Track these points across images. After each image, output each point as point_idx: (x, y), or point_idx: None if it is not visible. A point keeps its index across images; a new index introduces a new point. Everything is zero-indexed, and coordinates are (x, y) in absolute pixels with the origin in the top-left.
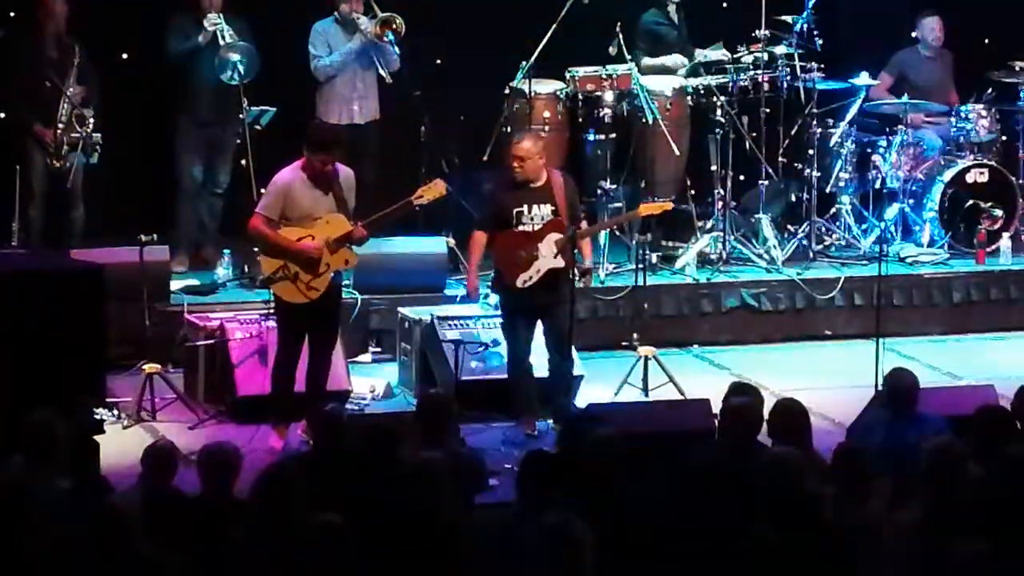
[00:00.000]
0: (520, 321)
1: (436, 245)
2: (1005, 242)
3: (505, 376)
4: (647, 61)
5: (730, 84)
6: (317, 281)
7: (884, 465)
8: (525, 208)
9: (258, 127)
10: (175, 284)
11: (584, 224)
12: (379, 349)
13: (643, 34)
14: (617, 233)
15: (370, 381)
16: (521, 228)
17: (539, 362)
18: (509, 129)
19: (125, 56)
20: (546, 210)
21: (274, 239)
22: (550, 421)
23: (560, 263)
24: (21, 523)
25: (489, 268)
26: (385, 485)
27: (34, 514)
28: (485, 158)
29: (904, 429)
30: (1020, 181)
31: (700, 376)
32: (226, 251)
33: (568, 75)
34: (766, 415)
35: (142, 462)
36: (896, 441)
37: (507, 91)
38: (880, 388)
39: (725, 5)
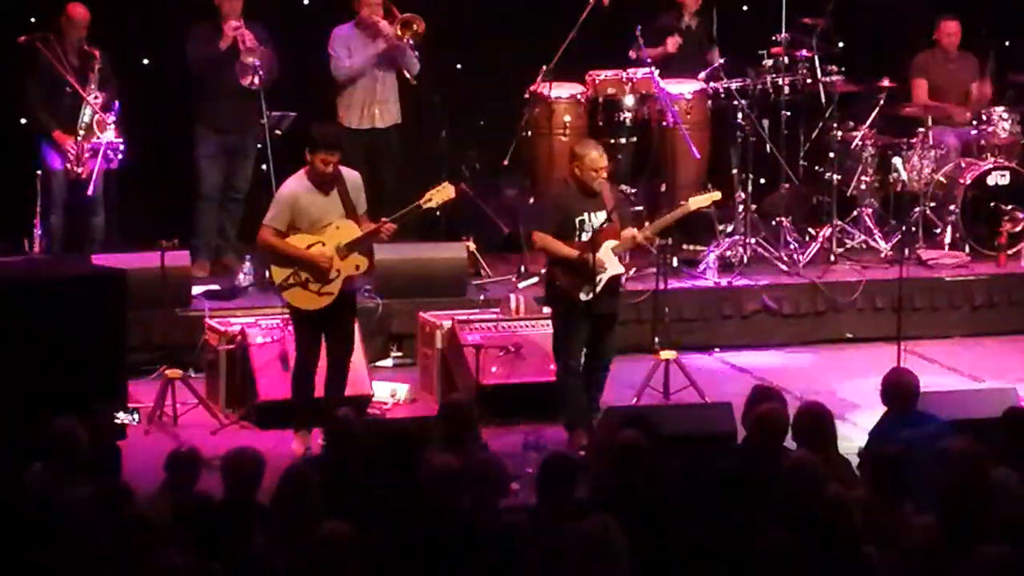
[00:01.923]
0: (580, 331)
1: (457, 250)
2: None
3: (527, 380)
4: None
5: (751, 87)
6: (328, 287)
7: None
8: (587, 216)
9: (278, 132)
10: (196, 289)
11: (646, 224)
12: (400, 354)
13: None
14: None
15: (391, 386)
16: (582, 238)
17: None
18: (529, 133)
19: (146, 62)
20: (601, 217)
21: (283, 248)
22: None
23: (620, 269)
24: (47, 531)
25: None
26: (402, 489)
27: (58, 521)
28: (505, 162)
29: (903, 429)
30: None
31: (721, 380)
32: (247, 256)
33: (588, 78)
34: (791, 420)
35: (165, 468)
36: (895, 442)
37: (527, 95)
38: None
39: (746, 8)
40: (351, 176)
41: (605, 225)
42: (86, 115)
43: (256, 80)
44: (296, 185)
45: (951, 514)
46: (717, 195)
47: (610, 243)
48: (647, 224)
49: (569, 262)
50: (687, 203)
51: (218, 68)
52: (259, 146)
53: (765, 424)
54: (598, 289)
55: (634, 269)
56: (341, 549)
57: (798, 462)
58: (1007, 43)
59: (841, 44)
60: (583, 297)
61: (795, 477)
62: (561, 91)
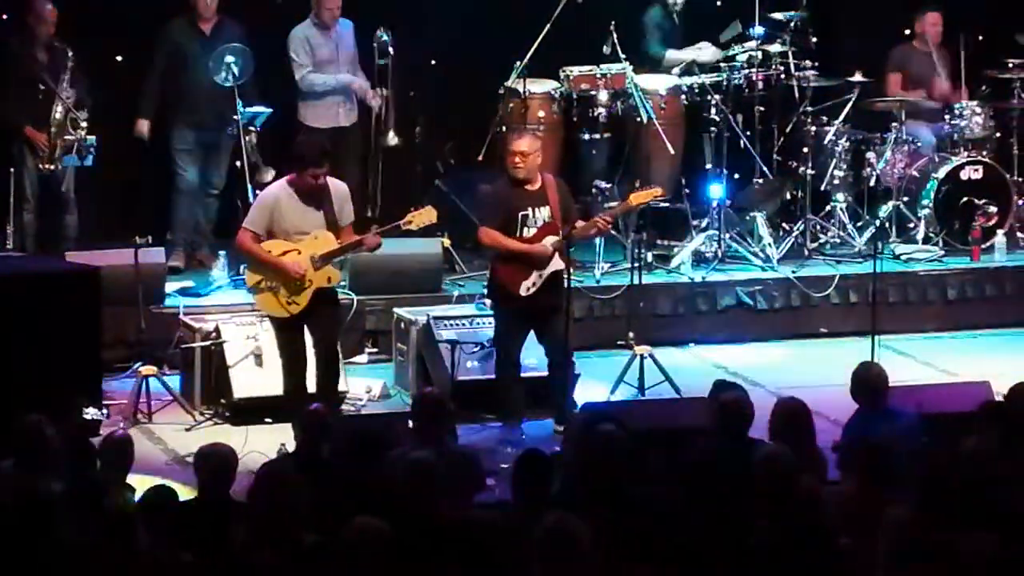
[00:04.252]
0: (517, 326)
1: (431, 246)
2: (1000, 239)
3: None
4: (673, 55)
5: (724, 82)
6: (298, 297)
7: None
8: (530, 211)
9: (253, 128)
10: (171, 286)
11: (579, 224)
12: (375, 350)
13: (653, 29)
14: (613, 233)
15: (366, 382)
16: (524, 233)
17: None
18: (504, 129)
19: (120, 59)
20: (545, 213)
21: (257, 254)
22: (552, 422)
23: (560, 265)
24: (32, 528)
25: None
26: (375, 485)
27: (40, 518)
28: (480, 158)
29: (874, 423)
30: (1014, 178)
31: (696, 375)
32: (222, 253)
33: (562, 74)
34: (768, 415)
35: (99, 453)
36: (865, 434)
37: (501, 91)
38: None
39: (720, 3)
40: (337, 187)
41: (548, 221)
42: (58, 112)
43: (230, 76)
44: (279, 191)
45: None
46: (658, 191)
47: (551, 239)
48: (578, 224)
49: (511, 256)
50: (628, 200)
51: (192, 64)
52: (233, 142)
53: (729, 410)
54: (539, 284)
55: (609, 265)
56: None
57: (770, 455)
58: (980, 37)
59: (815, 39)
60: (522, 292)
61: (767, 470)
62: (535, 87)
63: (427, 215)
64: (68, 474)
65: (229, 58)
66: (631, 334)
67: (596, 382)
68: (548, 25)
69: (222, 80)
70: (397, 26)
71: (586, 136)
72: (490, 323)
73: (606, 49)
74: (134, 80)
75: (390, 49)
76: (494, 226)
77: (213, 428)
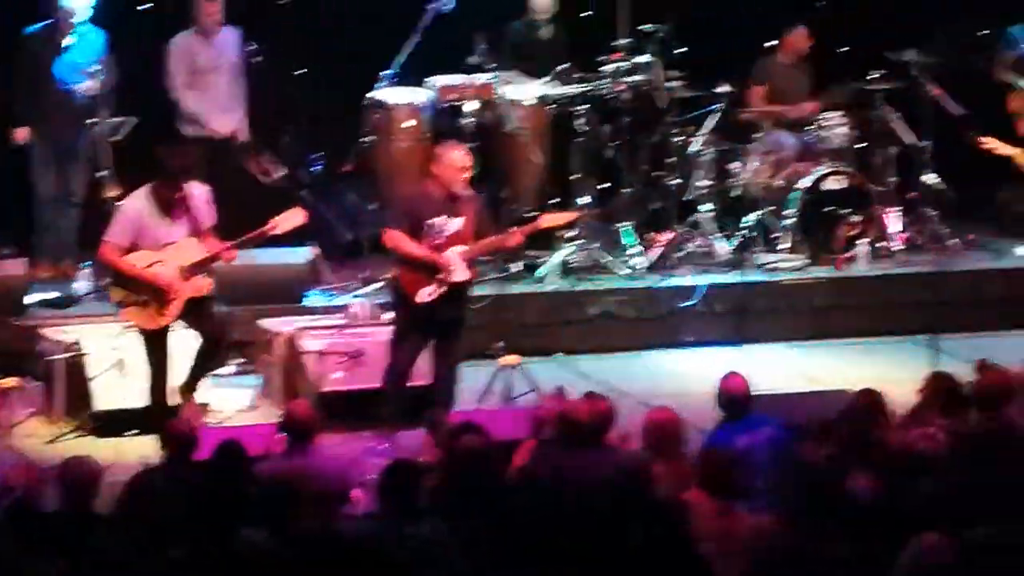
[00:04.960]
0: (415, 334)
1: (298, 256)
2: (863, 248)
3: (369, 386)
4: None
5: (592, 93)
6: (167, 309)
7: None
8: (442, 220)
9: (117, 137)
10: (32, 297)
11: (491, 238)
12: (242, 361)
13: (506, 46)
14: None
15: (233, 393)
16: (430, 240)
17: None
18: (370, 139)
19: None
20: (457, 223)
21: (122, 267)
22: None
23: (465, 276)
24: None
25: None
26: (242, 498)
27: None
28: (347, 169)
29: (736, 432)
30: (877, 188)
31: (563, 385)
32: (85, 264)
33: (429, 84)
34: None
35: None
36: (728, 444)
37: (368, 101)
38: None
39: (587, 14)
40: (198, 191)
41: (458, 231)
42: None
43: (90, 85)
44: (140, 202)
45: (798, 516)
46: (572, 215)
47: (458, 248)
48: (490, 238)
49: (415, 262)
50: (540, 220)
51: (53, 71)
52: (95, 151)
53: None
54: (439, 293)
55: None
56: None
57: (625, 464)
58: (844, 48)
59: (681, 50)
60: (418, 299)
61: (623, 479)
62: (402, 97)
63: (292, 218)
64: None
65: (90, 66)
66: (498, 344)
67: (464, 392)
68: (415, 35)
69: (83, 89)
70: (265, 35)
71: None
72: (355, 333)
73: (473, 59)
74: None
75: (258, 58)
76: (400, 230)
77: (77, 440)
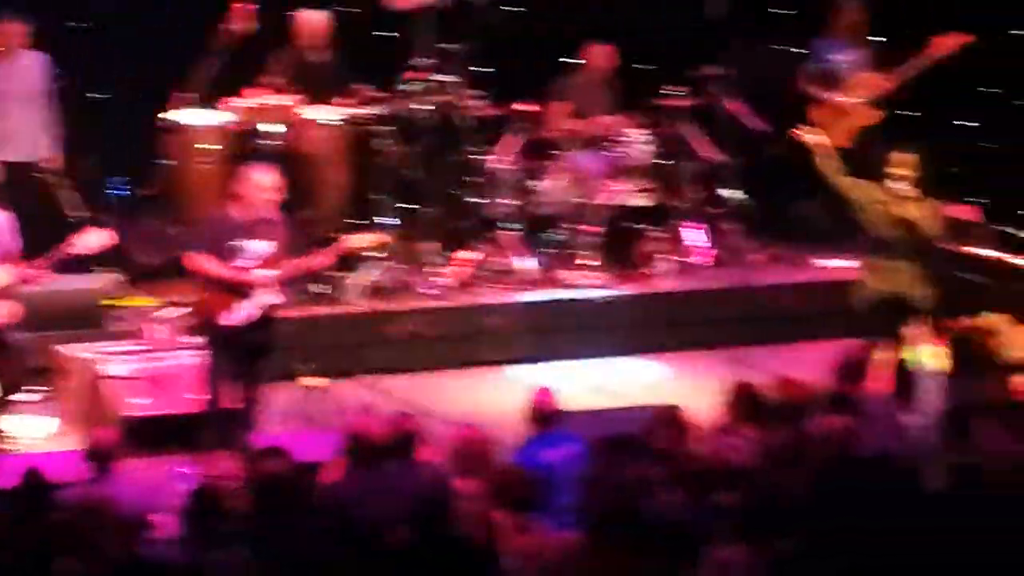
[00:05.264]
0: (224, 358)
1: (99, 280)
2: (664, 264)
3: (174, 411)
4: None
5: (393, 113)
6: None
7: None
8: (248, 243)
9: None
10: None
11: (298, 260)
12: (43, 387)
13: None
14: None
15: (34, 421)
16: (236, 263)
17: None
18: (171, 162)
19: None
20: (263, 245)
21: None
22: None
23: (273, 300)
24: None
25: None
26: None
27: None
28: (147, 192)
29: (543, 447)
30: (678, 204)
31: (369, 405)
32: None
33: (229, 106)
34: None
35: None
36: (535, 459)
37: (167, 123)
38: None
39: (387, 33)
40: (1, 218)
41: (266, 254)
42: None
43: None
44: None
45: (599, 531)
46: (377, 238)
47: (265, 271)
48: (298, 260)
49: (221, 285)
50: (347, 241)
51: None
52: None
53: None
54: (247, 315)
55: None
56: None
57: (428, 483)
58: (643, 66)
59: (482, 68)
60: (226, 321)
61: (427, 494)
62: (201, 119)
63: (93, 237)
64: None
65: None
66: (301, 366)
67: (267, 415)
68: (215, 57)
69: None
70: (65, 57)
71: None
72: (156, 357)
73: (274, 80)
74: None
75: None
76: (204, 253)
77: None
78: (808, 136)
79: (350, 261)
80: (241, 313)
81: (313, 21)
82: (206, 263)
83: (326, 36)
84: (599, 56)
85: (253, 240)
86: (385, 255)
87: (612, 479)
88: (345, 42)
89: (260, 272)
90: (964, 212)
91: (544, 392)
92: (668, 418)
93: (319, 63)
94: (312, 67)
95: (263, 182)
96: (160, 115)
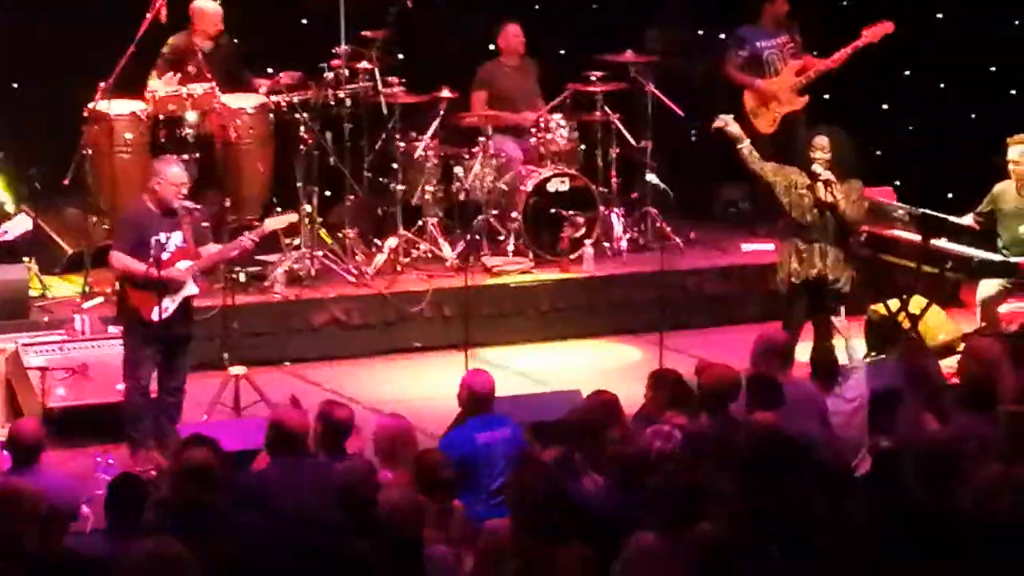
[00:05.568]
0: (147, 350)
1: (18, 271)
2: (588, 250)
3: (97, 401)
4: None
5: (313, 100)
6: None
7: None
8: (164, 236)
9: None
10: None
11: (207, 249)
12: None
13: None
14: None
15: None
16: (155, 256)
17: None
18: (90, 152)
19: None
20: (178, 238)
21: None
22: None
23: (194, 290)
24: None
25: None
26: None
27: None
28: (66, 181)
29: (477, 430)
30: (600, 189)
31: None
32: None
33: (148, 95)
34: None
35: None
36: (469, 444)
37: (86, 113)
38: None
39: (306, 21)
40: None
41: (181, 245)
42: None
43: None
44: None
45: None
46: (293, 217)
47: (184, 263)
48: (212, 248)
49: (142, 281)
50: (264, 225)
51: None
52: None
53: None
54: (171, 309)
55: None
56: None
57: (348, 472)
58: (562, 52)
59: (401, 56)
60: (154, 318)
61: (349, 486)
62: (121, 108)
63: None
64: None
65: None
66: (225, 355)
67: (191, 405)
68: (132, 45)
69: None
70: None
71: (174, 157)
72: (78, 347)
73: (191, 68)
74: None
75: None
76: (126, 250)
77: None
78: (728, 126)
79: (273, 249)
80: (163, 309)
81: (207, 10)
82: (126, 259)
83: (219, 25)
84: (508, 36)
85: (170, 231)
86: (306, 242)
87: (540, 464)
88: (269, 30)
89: (179, 264)
90: (884, 195)
91: (476, 373)
92: (594, 404)
93: (211, 51)
94: (206, 56)
95: (174, 173)
96: (86, 105)
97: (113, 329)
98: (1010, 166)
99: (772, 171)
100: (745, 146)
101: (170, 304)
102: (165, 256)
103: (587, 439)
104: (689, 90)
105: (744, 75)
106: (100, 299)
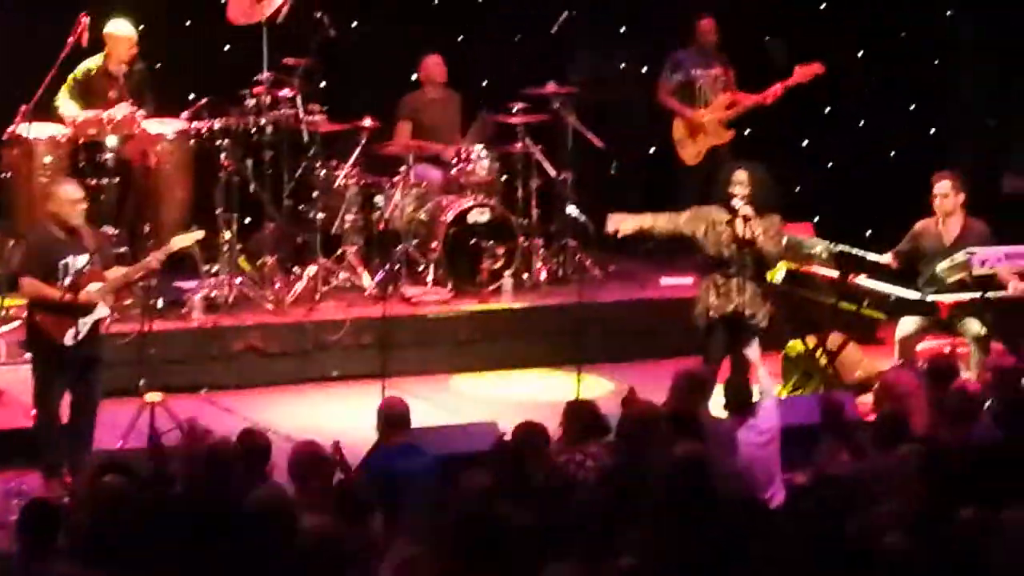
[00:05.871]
0: (60, 378)
1: None
2: (507, 281)
3: (8, 427)
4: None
5: (233, 126)
6: None
7: (376, 494)
8: (70, 259)
9: None
10: None
11: (116, 271)
12: None
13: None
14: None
15: None
16: (66, 281)
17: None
18: (9, 175)
19: None
20: (84, 259)
21: None
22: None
23: (105, 312)
24: None
25: None
26: None
27: None
28: None
29: (394, 457)
30: (520, 221)
31: (210, 421)
32: None
33: (68, 119)
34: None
35: None
36: (386, 471)
37: (6, 137)
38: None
39: (227, 48)
40: None
41: (88, 268)
42: None
43: None
44: None
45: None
46: (200, 234)
47: (94, 285)
48: (117, 272)
49: (53, 305)
50: (170, 243)
51: None
52: None
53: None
54: (83, 333)
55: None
56: None
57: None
58: (484, 83)
59: (323, 83)
60: (68, 342)
61: (265, 512)
62: (41, 131)
63: None
64: None
65: None
66: (141, 381)
67: (106, 431)
68: (54, 68)
69: None
70: None
71: (93, 181)
72: None
73: (112, 94)
74: None
75: None
76: (36, 276)
77: None
78: (620, 228)
79: (189, 276)
80: (78, 332)
81: (120, 34)
82: (38, 284)
83: (132, 49)
84: (430, 66)
85: (77, 254)
86: (226, 269)
87: (458, 493)
88: (190, 56)
89: (90, 286)
90: (803, 230)
91: (391, 399)
92: (527, 433)
93: (125, 76)
94: (117, 79)
95: (72, 195)
96: (6, 128)
97: (23, 354)
98: (936, 200)
99: (688, 221)
100: (651, 225)
101: (83, 327)
102: (70, 279)
103: (504, 469)
104: (613, 121)
105: (676, 102)
106: (16, 323)
